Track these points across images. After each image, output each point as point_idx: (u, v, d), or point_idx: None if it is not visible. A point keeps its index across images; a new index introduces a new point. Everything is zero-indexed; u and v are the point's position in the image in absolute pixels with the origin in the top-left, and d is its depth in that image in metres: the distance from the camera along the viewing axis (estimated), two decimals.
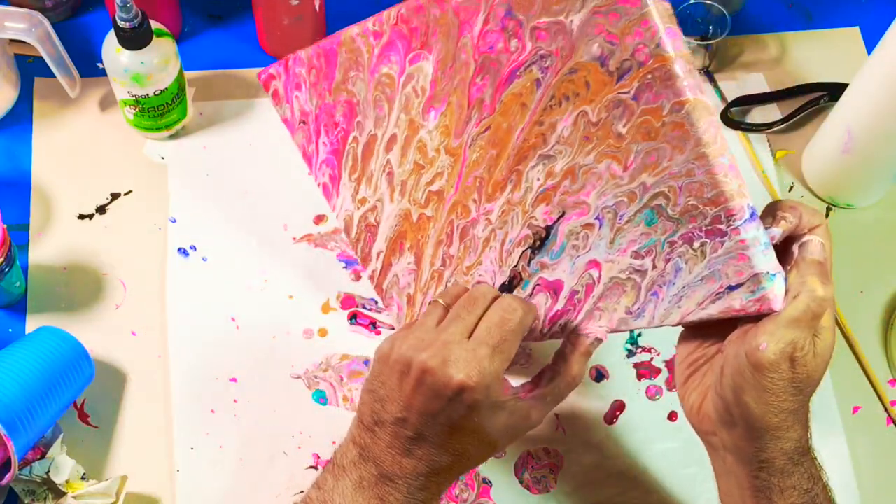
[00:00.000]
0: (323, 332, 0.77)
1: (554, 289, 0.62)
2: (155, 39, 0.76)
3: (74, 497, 0.68)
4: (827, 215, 0.84)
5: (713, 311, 0.56)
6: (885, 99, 0.73)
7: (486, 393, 0.54)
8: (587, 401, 0.75)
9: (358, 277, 0.79)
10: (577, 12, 0.55)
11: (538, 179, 0.61)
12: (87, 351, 0.72)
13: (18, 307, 0.77)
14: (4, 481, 0.65)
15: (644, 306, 0.59)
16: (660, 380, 0.76)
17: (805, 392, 0.54)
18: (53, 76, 0.81)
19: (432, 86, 0.63)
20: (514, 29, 0.58)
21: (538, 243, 0.62)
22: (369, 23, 0.64)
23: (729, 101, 0.88)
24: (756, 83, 0.89)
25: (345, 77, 0.66)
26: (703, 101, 0.53)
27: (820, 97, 0.88)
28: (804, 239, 0.55)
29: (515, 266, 0.63)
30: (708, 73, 0.90)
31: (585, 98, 0.57)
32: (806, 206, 0.56)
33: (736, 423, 0.55)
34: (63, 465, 0.68)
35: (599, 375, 0.76)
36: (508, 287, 0.64)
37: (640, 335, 0.78)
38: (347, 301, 0.78)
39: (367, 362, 0.76)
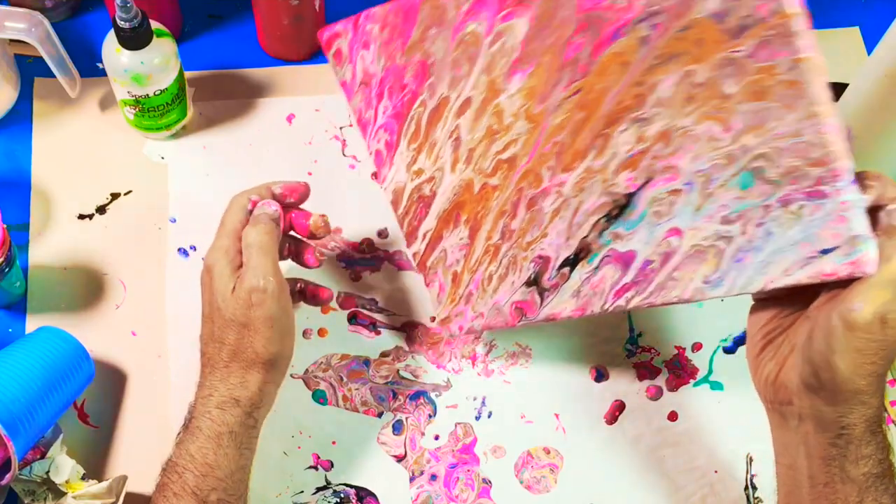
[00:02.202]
0: (323, 332, 0.77)
1: (625, 260, 0.60)
2: (155, 39, 0.76)
3: (74, 497, 0.68)
4: None
5: (801, 276, 0.55)
6: (885, 99, 0.73)
7: (212, 261, 0.65)
8: (587, 401, 0.75)
9: (358, 277, 0.79)
10: None
11: (626, 144, 0.59)
12: (87, 351, 0.72)
13: (18, 307, 0.77)
14: (4, 481, 0.65)
15: (724, 275, 0.57)
16: (660, 380, 0.76)
17: (891, 357, 0.55)
18: (53, 76, 0.81)
19: (522, 45, 0.61)
20: None
21: (616, 211, 0.60)
22: None
23: None
24: None
25: (423, 35, 0.64)
26: (819, 61, 0.53)
27: None
28: (891, 207, 0.55)
29: (585, 237, 0.61)
30: None
31: (695, 56, 0.56)
32: (888, 177, 0.56)
33: (823, 386, 0.55)
34: (63, 465, 0.68)
35: (599, 375, 0.76)
36: (574, 261, 0.63)
37: (640, 335, 0.78)
38: (347, 301, 0.78)
39: (367, 362, 0.76)
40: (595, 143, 0.60)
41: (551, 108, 0.61)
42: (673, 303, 0.60)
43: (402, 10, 0.64)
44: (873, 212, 0.55)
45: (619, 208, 0.60)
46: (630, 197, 0.60)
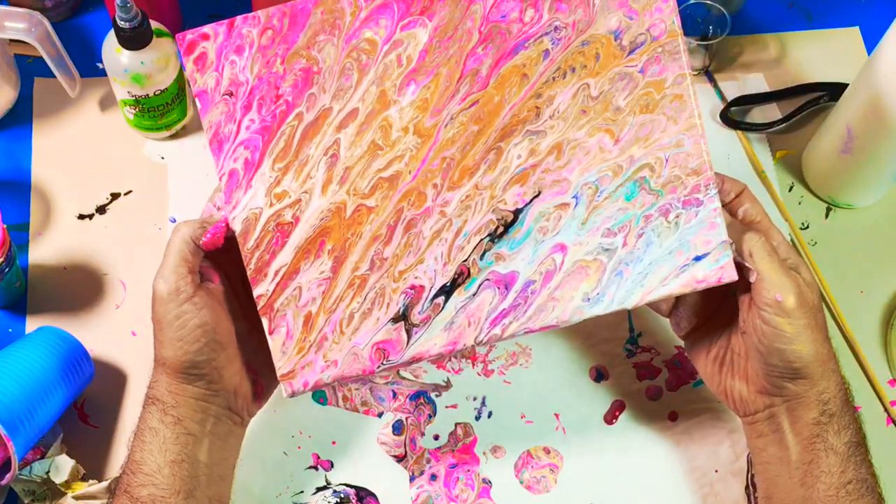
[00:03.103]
0: None
1: (505, 283, 0.61)
2: (155, 39, 0.76)
3: (74, 497, 0.68)
4: (827, 215, 0.84)
5: (675, 286, 0.61)
6: (885, 99, 0.73)
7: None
8: (587, 401, 0.75)
9: None
10: None
11: (519, 157, 0.61)
12: (87, 351, 0.72)
13: (18, 307, 0.77)
14: (4, 481, 0.65)
15: (605, 290, 0.61)
16: (660, 380, 0.76)
17: (822, 319, 0.62)
18: (53, 76, 0.81)
19: (421, 56, 0.60)
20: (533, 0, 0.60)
21: (501, 230, 0.61)
22: None
23: (729, 101, 0.88)
24: (756, 83, 0.89)
25: (310, 41, 0.60)
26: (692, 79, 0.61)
27: (820, 97, 0.88)
28: (743, 207, 0.64)
29: (465, 261, 0.61)
30: (708, 73, 0.90)
31: (592, 70, 0.60)
32: (726, 176, 0.64)
33: (799, 373, 0.61)
34: (63, 465, 0.68)
35: (599, 375, 0.76)
36: (450, 288, 0.61)
37: (640, 335, 0.78)
38: None
39: None
40: (487, 158, 0.61)
41: (444, 121, 0.61)
42: (552, 327, 0.62)
43: (288, 14, 0.60)
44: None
45: (505, 226, 0.61)
46: (517, 213, 0.61)
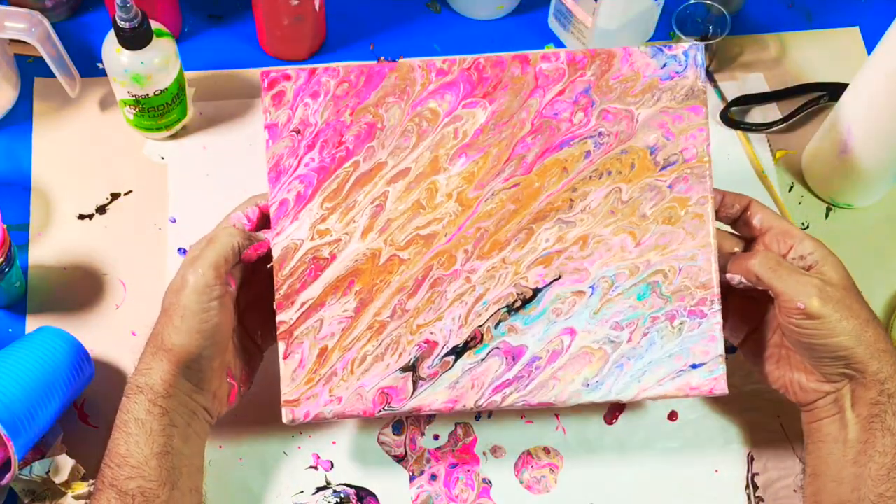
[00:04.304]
0: None
1: (514, 354, 0.65)
2: (155, 39, 0.76)
3: (74, 497, 0.68)
4: (827, 215, 0.84)
5: (669, 388, 0.65)
6: (885, 99, 0.73)
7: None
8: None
9: None
10: (647, 107, 0.65)
11: (547, 241, 0.65)
12: (87, 351, 0.72)
13: (18, 307, 0.77)
14: (4, 481, 0.65)
15: (604, 379, 0.65)
16: None
17: (850, 303, 0.62)
18: (53, 76, 0.81)
19: (476, 133, 0.65)
20: (585, 105, 0.65)
21: (519, 304, 0.65)
22: (437, 60, 0.66)
23: (729, 100, 0.88)
24: (756, 83, 0.89)
25: (380, 101, 0.65)
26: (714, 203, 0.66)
27: (820, 97, 0.88)
28: (757, 217, 0.67)
29: (481, 326, 0.65)
30: (708, 73, 0.90)
31: (626, 177, 0.65)
32: (727, 192, 0.68)
33: (851, 363, 0.62)
34: (63, 465, 0.68)
35: None
36: (461, 350, 0.65)
37: None
38: None
39: None
40: (518, 236, 0.65)
41: (486, 195, 0.65)
42: (548, 404, 0.65)
43: (365, 73, 0.66)
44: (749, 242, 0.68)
45: (523, 301, 0.65)
46: (536, 292, 0.65)
